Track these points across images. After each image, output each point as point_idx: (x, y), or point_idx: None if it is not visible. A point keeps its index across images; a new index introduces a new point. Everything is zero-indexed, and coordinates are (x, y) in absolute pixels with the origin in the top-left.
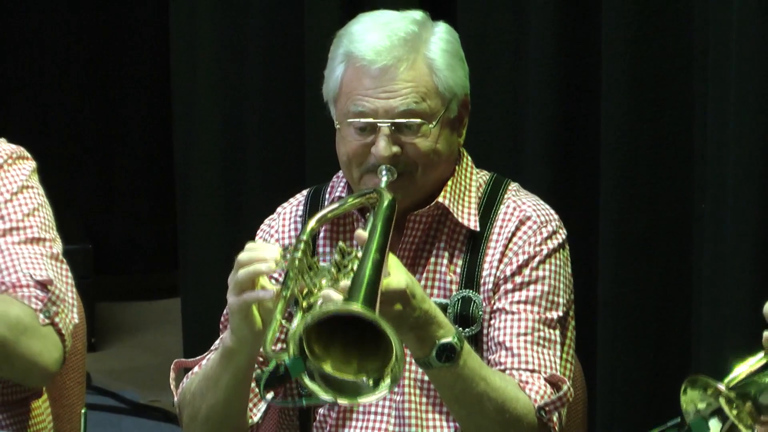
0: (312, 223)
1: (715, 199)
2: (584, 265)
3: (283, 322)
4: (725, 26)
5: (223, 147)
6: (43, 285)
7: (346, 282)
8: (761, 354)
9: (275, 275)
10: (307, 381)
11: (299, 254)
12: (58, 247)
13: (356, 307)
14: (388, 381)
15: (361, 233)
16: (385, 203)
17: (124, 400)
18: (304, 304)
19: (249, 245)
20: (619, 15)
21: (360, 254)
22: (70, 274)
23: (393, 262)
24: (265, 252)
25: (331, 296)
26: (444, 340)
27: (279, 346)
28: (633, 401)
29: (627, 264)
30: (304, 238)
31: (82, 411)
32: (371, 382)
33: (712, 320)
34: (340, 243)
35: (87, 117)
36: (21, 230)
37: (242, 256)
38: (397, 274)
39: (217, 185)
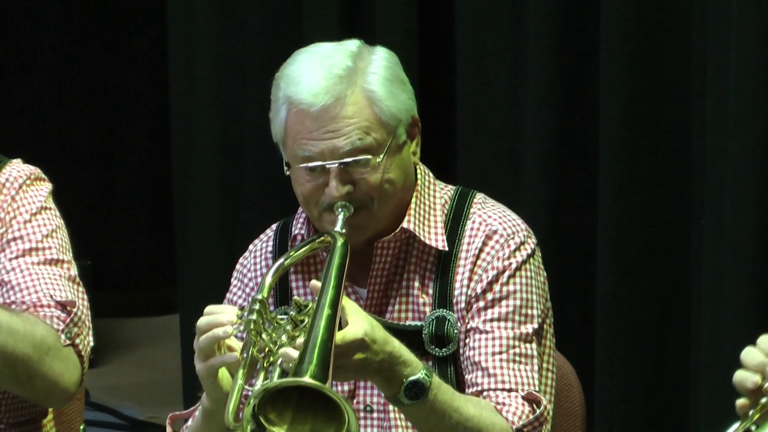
0: (268, 279)
1: (713, 215)
2: (582, 281)
3: (247, 386)
4: (724, 42)
5: (222, 164)
6: (64, 306)
7: (302, 339)
8: (736, 425)
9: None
10: None
11: (254, 316)
12: (74, 269)
13: (305, 379)
14: None
15: (316, 284)
16: (337, 250)
17: (122, 417)
18: (265, 363)
19: (207, 309)
20: (618, 31)
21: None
22: (86, 296)
23: (351, 309)
24: (222, 316)
25: (289, 355)
26: (412, 378)
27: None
28: (631, 418)
29: (625, 280)
30: (260, 297)
31: (81, 428)
32: None
33: (710, 336)
34: (296, 297)
35: (85, 133)
36: (40, 251)
37: (200, 323)
38: (354, 323)
39: (216, 202)
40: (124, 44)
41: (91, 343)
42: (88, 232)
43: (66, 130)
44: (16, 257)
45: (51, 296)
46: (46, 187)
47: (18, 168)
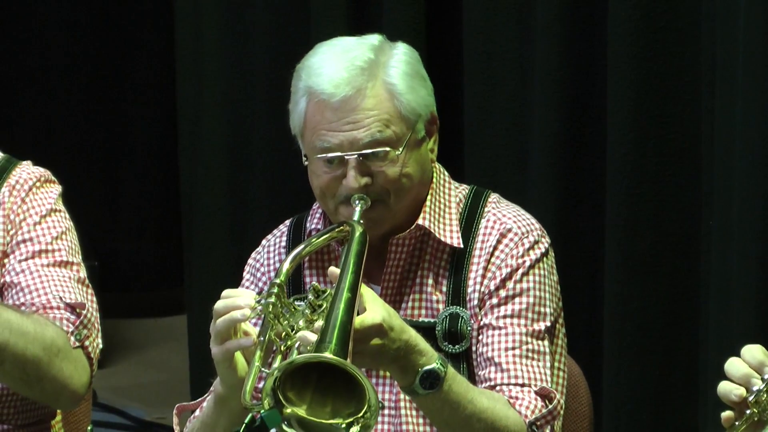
0: (286, 264)
1: (721, 216)
2: (590, 282)
3: (263, 369)
4: (732, 43)
5: (229, 164)
6: (73, 308)
7: (320, 323)
8: None
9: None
10: (284, 427)
11: (273, 299)
12: (83, 271)
13: (326, 354)
14: (357, 428)
15: (334, 271)
16: (356, 238)
17: (130, 417)
18: (282, 347)
19: (225, 293)
20: (625, 32)
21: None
22: (95, 299)
23: (369, 296)
24: (240, 299)
25: (307, 338)
26: (427, 368)
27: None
28: (638, 419)
29: (633, 281)
30: (278, 281)
31: (89, 428)
32: (344, 425)
33: (718, 338)
34: (314, 282)
35: (92, 134)
36: (50, 253)
37: (218, 305)
38: (372, 309)
39: (223, 202)
40: (132, 46)
41: (101, 346)
42: (95, 232)
43: (73, 131)
44: (26, 259)
45: (60, 298)
46: (56, 189)
47: (28, 170)
